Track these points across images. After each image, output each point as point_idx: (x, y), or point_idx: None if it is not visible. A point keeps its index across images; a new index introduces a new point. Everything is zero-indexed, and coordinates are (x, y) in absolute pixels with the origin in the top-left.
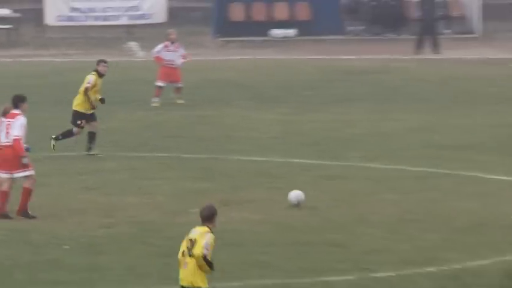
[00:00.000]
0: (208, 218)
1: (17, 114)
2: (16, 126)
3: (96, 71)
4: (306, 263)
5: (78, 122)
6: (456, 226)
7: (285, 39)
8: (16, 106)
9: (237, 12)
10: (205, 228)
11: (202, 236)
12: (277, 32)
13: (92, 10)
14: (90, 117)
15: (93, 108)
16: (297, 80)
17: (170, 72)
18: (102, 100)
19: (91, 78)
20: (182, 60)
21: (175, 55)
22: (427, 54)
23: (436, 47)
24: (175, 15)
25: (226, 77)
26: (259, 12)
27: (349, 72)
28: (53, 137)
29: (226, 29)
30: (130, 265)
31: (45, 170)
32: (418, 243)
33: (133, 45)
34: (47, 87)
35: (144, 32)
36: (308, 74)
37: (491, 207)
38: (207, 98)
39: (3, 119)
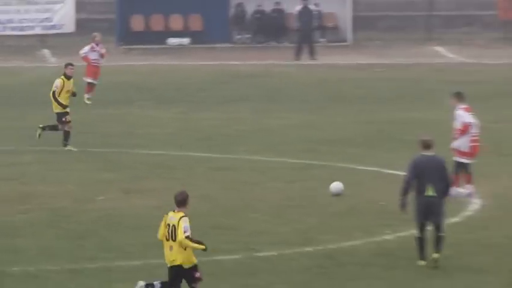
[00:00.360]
0: (182, 202)
1: None
2: None
3: (64, 74)
4: None
5: (63, 119)
6: (331, 211)
7: (180, 47)
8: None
9: (137, 23)
10: (180, 214)
11: (180, 222)
12: (173, 41)
13: (9, 21)
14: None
15: (64, 108)
16: (191, 83)
17: (96, 70)
18: (73, 94)
19: (57, 82)
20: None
21: (99, 54)
22: (305, 60)
23: (312, 54)
24: (82, 25)
25: (128, 80)
26: (157, 23)
27: (236, 76)
28: (40, 126)
29: (128, 38)
30: (45, 246)
31: None
32: (298, 226)
33: (46, 52)
34: None
35: (55, 41)
36: (201, 77)
37: (362, 195)
38: (112, 98)
39: None
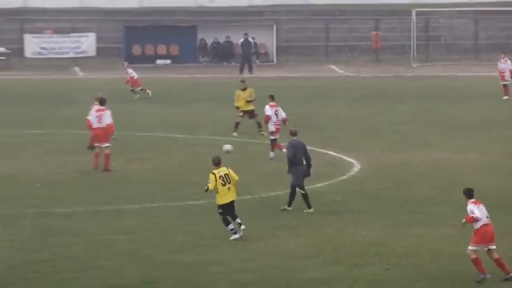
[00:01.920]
0: (219, 162)
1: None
2: (108, 116)
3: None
4: None
5: None
6: (263, 172)
7: (164, 66)
8: (103, 104)
9: (136, 50)
10: (223, 168)
11: (228, 170)
12: (159, 62)
13: (53, 48)
14: None
15: None
16: (171, 89)
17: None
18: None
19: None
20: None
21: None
22: (246, 74)
23: (250, 70)
24: (101, 51)
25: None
26: (149, 50)
27: (201, 85)
28: None
29: (131, 59)
30: (75, 195)
31: None
32: (241, 181)
33: (76, 69)
34: (28, 94)
35: (82, 62)
36: (177, 85)
37: (278, 162)
38: (120, 98)
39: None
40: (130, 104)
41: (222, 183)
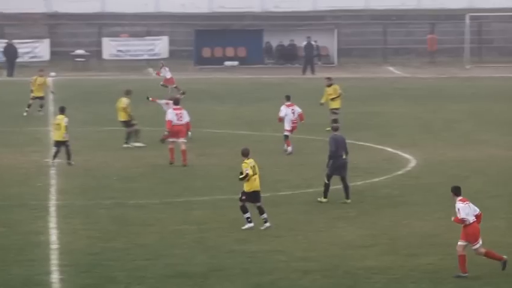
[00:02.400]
0: (248, 153)
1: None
2: (186, 114)
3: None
4: None
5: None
6: (323, 167)
7: (232, 67)
8: (177, 103)
9: (206, 52)
10: (251, 159)
11: (254, 163)
12: (228, 63)
13: (128, 51)
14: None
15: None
16: (238, 89)
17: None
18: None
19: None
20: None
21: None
22: (308, 75)
23: (313, 71)
24: (173, 53)
25: (200, 87)
26: (218, 52)
27: (266, 85)
28: None
29: (201, 61)
30: (149, 188)
31: None
32: (303, 176)
33: (150, 70)
34: (105, 93)
35: (156, 63)
36: (244, 85)
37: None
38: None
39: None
40: (200, 102)
41: (252, 173)
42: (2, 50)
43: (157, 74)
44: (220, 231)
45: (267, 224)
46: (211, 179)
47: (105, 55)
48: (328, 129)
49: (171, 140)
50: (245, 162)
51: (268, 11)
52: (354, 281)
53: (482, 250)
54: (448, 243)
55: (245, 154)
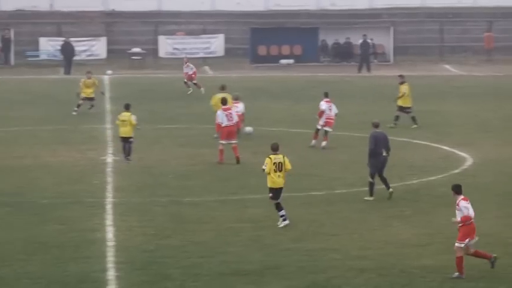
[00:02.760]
0: (277, 149)
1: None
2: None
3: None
4: None
5: None
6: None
7: (287, 65)
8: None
9: (262, 50)
10: (279, 155)
11: (284, 158)
12: (283, 61)
13: (184, 49)
14: None
15: None
16: (294, 87)
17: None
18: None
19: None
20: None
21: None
22: (364, 73)
23: (368, 69)
24: (228, 51)
25: (256, 86)
26: (274, 50)
27: (322, 82)
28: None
29: (256, 59)
30: (204, 186)
31: None
32: (359, 174)
33: (206, 68)
34: (161, 91)
35: (212, 61)
36: (300, 83)
37: (397, 155)
38: (246, 96)
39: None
40: (256, 100)
41: (274, 169)
42: (59, 48)
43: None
44: (275, 229)
45: (286, 222)
46: (266, 177)
47: (161, 53)
48: (389, 126)
49: (223, 142)
50: (269, 157)
51: (324, 9)
52: (409, 280)
53: (471, 249)
54: (505, 242)
55: (273, 149)
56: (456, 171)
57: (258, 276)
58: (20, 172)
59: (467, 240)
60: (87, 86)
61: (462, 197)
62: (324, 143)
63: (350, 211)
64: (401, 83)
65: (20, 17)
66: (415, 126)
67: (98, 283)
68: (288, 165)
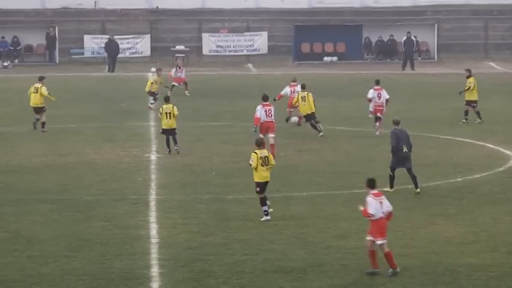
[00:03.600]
0: (261, 144)
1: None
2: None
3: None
4: None
5: None
6: (422, 163)
7: (331, 62)
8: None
9: (305, 48)
10: (264, 150)
11: (269, 154)
12: (327, 58)
13: (228, 46)
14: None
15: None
16: (337, 84)
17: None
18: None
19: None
20: None
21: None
22: (408, 71)
23: (412, 67)
24: (272, 49)
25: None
26: (317, 48)
27: (365, 80)
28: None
29: (300, 56)
30: (247, 183)
31: None
32: (400, 172)
33: (250, 65)
34: (205, 88)
35: (255, 59)
36: (343, 81)
37: (442, 153)
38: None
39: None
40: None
41: (261, 164)
42: (103, 46)
43: (169, 74)
44: (319, 226)
45: (267, 217)
46: (309, 174)
47: (205, 50)
48: (461, 122)
49: (260, 135)
50: (254, 152)
51: (368, 6)
52: (453, 278)
53: (385, 249)
54: None
55: (258, 144)
56: (500, 169)
57: (301, 273)
58: (64, 169)
59: (373, 237)
60: (156, 82)
61: (374, 192)
62: (377, 132)
63: (394, 209)
64: (468, 76)
65: (64, 14)
66: (479, 121)
67: (142, 280)
68: (272, 161)
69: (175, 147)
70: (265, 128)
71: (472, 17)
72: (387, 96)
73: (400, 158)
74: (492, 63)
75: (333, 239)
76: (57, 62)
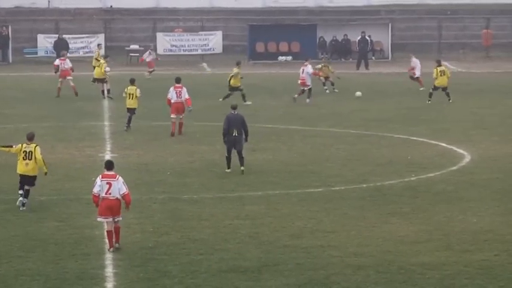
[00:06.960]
0: (32, 138)
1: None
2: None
3: None
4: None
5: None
6: (378, 162)
7: (285, 62)
8: (178, 81)
9: (260, 47)
10: (33, 145)
11: (35, 149)
12: (281, 58)
13: (182, 46)
14: None
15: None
16: (290, 84)
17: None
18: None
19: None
20: None
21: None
22: (362, 70)
23: (366, 66)
24: (226, 48)
25: (254, 82)
26: (271, 47)
27: (319, 79)
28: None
29: (254, 56)
30: (202, 183)
31: None
32: (357, 171)
33: (204, 65)
34: (159, 87)
35: (209, 58)
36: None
37: (396, 153)
38: (246, 93)
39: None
40: (254, 97)
41: (23, 157)
42: (52, 44)
43: (141, 60)
44: (274, 226)
45: (23, 208)
46: (264, 174)
47: (160, 50)
48: (427, 102)
49: (172, 116)
50: (21, 144)
51: (322, 6)
52: (407, 277)
53: (110, 228)
54: (503, 240)
55: (28, 138)
56: (454, 168)
57: (256, 273)
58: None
59: (103, 217)
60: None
61: (106, 173)
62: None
63: (348, 208)
64: (437, 67)
65: (17, 13)
66: (450, 101)
67: (97, 280)
68: (39, 156)
69: (128, 126)
70: (175, 107)
71: (426, 17)
72: (310, 71)
73: (231, 140)
74: (445, 63)
75: (288, 238)
76: (10, 61)
